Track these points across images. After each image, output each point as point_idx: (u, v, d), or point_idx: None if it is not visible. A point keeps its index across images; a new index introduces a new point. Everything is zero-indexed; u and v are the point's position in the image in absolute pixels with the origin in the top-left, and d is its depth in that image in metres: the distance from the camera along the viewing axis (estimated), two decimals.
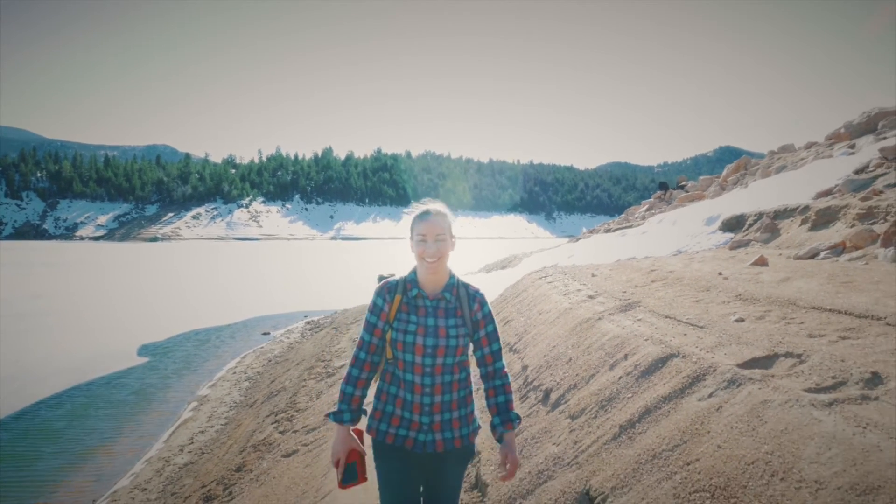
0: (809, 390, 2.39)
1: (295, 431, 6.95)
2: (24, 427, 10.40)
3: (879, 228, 5.31)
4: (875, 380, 2.32)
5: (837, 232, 6.11)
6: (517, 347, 5.34)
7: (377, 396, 2.29)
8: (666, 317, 4.03)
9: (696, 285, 4.89)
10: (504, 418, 2.26)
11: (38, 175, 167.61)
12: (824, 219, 6.53)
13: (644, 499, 2.36)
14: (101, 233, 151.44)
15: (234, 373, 14.05)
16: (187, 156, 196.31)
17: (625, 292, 5.25)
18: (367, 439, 2.31)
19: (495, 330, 2.33)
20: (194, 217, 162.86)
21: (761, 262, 5.29)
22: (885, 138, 10.07)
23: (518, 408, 4.12)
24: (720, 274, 5.14)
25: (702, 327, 3.57)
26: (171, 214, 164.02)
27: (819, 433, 2.07)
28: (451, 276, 2.29)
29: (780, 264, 5.30)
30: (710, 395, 2.70)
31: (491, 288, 10.25)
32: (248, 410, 10.31)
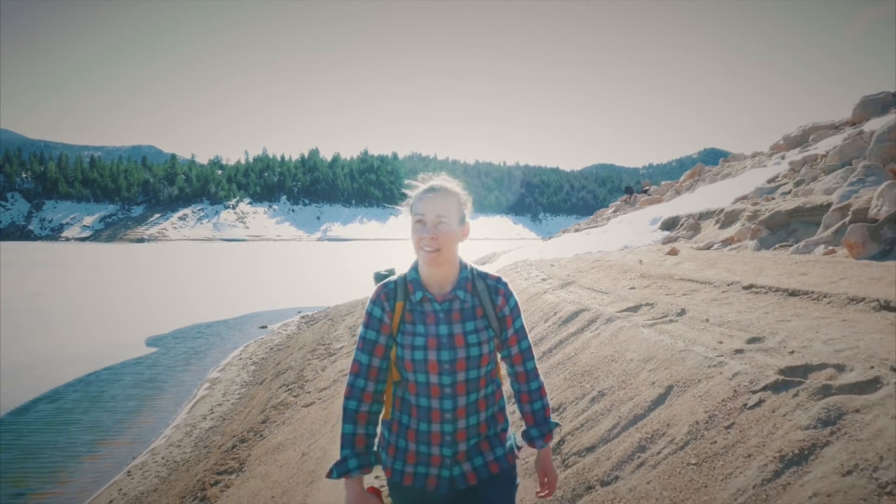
0: (647, 320, 4.02)
1: (308, 393, 8.48)
2: (52, 408, 11.59)
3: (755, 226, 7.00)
4: (682, 313, 3.96)
5: (734, 229, 7.82)
6: None
7: (387, 426, 1.88)
8: (588, 289, 5.66)
9: (620, 269, 6.53)
10: (543, 430, 1.91)
11: (24, 176, 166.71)
12: (729, 219, 8.24)
13: (547, 385, 3.96)
14: (87, 234, 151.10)
15: (240, 359, 15.44)
16: (173, 157, 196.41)
17: (568, 276, 6.88)
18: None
19: (524, 325, 1.91)
20: (181, 218, 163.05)
21: (673, 252, 6.92)
22: (807, 151, 11.81)
23: None
24: (640, 261, 6.78)
25: (607, 293, 5.20)
26: (157, 215, 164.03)
27: (640, 339, 3.69)
28: (464, 268, 1.84)
29: (685, 254, 6.97)
30: (596, 329, 4.32)
31: None
32: (258, 387, 11.77)
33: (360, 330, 1.86)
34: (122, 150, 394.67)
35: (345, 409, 1.82)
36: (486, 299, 1.82)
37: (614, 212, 18.58)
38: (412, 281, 1.82)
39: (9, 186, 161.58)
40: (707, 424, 2.52)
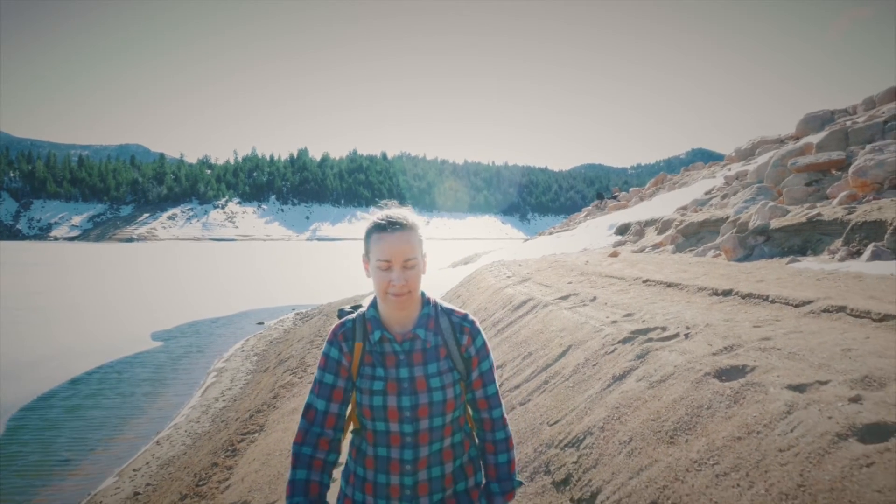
0: (569, 305, 5.55)
1: (311, 374, 9.92)
2: (71, 397, 12.48)
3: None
4: (594, 299, 5.48)
5: (666, 235, 9.37)
6: None
7: (344, 476, 1.74)
8: (539, 283, 7.19)
9: (568, 268, 8.06)
10: (506, 486, 1.76)
11: (11, 175, 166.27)
12: (665, 227, 9.80)
13: (497, 352, 5.47)
14: (75, 233, 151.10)
15: (243, 351, 16.78)
16: (162, 156, 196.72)
17: (528, 274, 8.40)
18: None
19: (492, 368, 1.75)
20: (170, 218, 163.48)
21: (614, 254, 8.43)
22: (749, 165, 13.41)
23: None
24: (587, 262, 8.31)
25: (550, 287, 6.73)
26: (146, 215, 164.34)
27: (560, 317, 5.20)
28: (426, 304, 1.69)
29: (622, 256, 8.52)
30: (535, 312, 5.83)
31: (455, 279, 13.30)
32: (263, 374, 13.16)
33: (315, 373, 1.73)
34: (110, 148, 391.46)
35: (296, 454, 1.65)
36: (450, 338, 1.66)
37: (585, 216, 20.15)
38: (370, 319, 1.68)
39: None
40: (584, 365, 4.02)
